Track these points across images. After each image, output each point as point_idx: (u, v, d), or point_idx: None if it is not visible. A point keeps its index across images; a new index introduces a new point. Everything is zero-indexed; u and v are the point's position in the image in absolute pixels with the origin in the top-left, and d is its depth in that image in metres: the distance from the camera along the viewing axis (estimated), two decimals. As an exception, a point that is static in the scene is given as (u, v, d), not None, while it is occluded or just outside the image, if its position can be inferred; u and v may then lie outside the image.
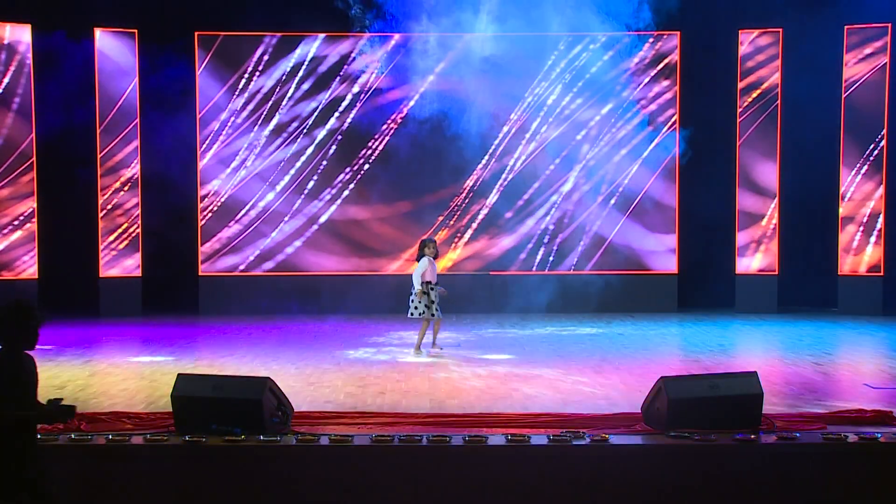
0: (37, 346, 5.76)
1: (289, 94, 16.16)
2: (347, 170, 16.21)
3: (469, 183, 16.26)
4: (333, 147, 16.22)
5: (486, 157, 16.21)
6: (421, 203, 16.31)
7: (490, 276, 16.25)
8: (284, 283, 16.21)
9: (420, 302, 11.87)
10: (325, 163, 16.22)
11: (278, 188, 16.20)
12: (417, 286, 11.85)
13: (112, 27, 15.53)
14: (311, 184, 16.22)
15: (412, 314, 11.95)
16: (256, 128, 16.14)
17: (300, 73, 16.16)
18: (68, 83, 15.14)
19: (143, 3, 15.74)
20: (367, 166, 16.21)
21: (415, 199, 16.31)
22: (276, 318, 15.36)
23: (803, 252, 16.18)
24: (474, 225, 16.33)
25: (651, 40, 15.99)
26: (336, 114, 16.20)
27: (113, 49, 15.61)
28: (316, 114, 16.18)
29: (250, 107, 16.14)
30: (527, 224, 16.32)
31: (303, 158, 16.21)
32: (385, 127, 16.16)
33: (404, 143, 16.00)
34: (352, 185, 16.24)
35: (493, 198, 16.29)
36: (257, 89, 16.13)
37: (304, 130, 16.19)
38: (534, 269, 16.31)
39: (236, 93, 16.10)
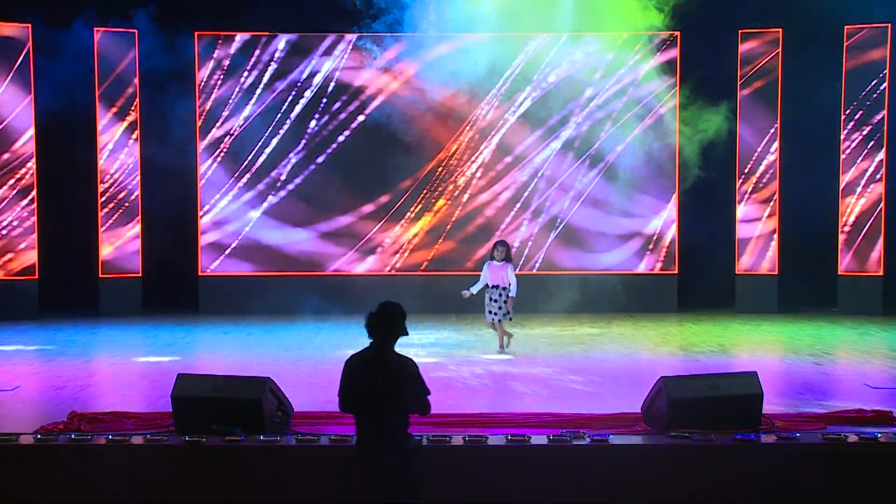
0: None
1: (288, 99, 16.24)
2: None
3: (461, 182, 16.34)
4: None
5: (473, 157, 16.29)
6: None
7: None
8: (285, 282, 16.20)
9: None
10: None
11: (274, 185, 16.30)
12: (474, 288, 12.07)
13: (111, 27, 15.54)
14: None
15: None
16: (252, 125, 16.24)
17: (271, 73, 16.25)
18: (69, 80, 15.13)
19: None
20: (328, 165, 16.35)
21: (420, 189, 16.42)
22: (276, 317, 15.36)
23: (803, 252, 16.17)
24: (471, 226, 16.39)
25: (653, 40, 16.01)
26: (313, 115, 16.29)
27: (112, 47, 15.67)
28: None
29: (248, 108, 16.21)
30: (525, 224, 16.35)
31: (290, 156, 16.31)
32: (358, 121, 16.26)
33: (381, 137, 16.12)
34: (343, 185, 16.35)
35: (487, 197, 16.36)
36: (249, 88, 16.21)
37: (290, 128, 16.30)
38: (533, 269, 16.32)
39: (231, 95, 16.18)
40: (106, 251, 15.69)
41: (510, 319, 12.10)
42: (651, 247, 16.31)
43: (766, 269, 15.96)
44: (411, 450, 6.37)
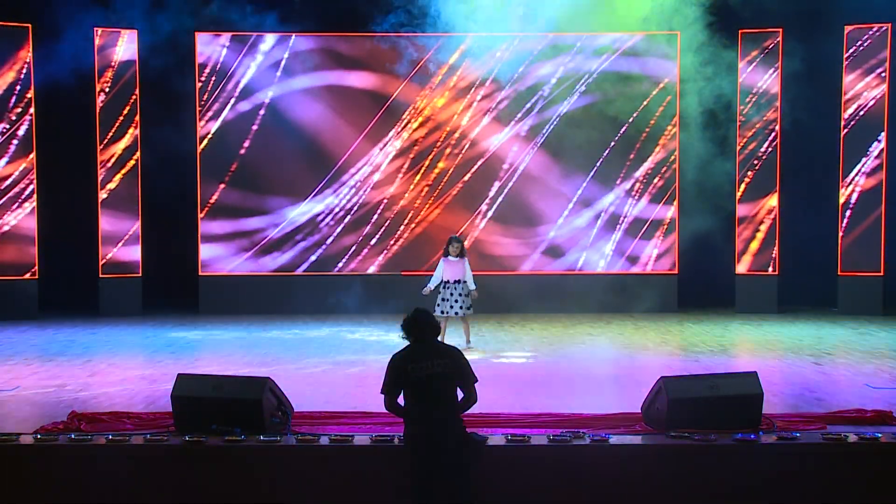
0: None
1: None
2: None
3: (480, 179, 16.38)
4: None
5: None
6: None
7: (490, 277, 16.24)
8: (285, 282, 16.20)
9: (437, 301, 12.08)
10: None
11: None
12: (431, 285, 12.09)
13: (111, 27, 15.55)
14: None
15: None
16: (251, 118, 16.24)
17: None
18: (69, 80, 15.12)
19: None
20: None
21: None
22: (276, 317, 15.36)
23: (803, 252, 16.16)
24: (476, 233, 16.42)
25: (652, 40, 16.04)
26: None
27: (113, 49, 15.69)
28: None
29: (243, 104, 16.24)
30: (526, 224, 16.38)
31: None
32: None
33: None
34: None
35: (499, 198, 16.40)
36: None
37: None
38: (533, 269, 16.33)
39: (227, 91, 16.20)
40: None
41: (472, 312, 12.27)
42: (652, 248, 16.36)
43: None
44: (478, 443, 6.45)
